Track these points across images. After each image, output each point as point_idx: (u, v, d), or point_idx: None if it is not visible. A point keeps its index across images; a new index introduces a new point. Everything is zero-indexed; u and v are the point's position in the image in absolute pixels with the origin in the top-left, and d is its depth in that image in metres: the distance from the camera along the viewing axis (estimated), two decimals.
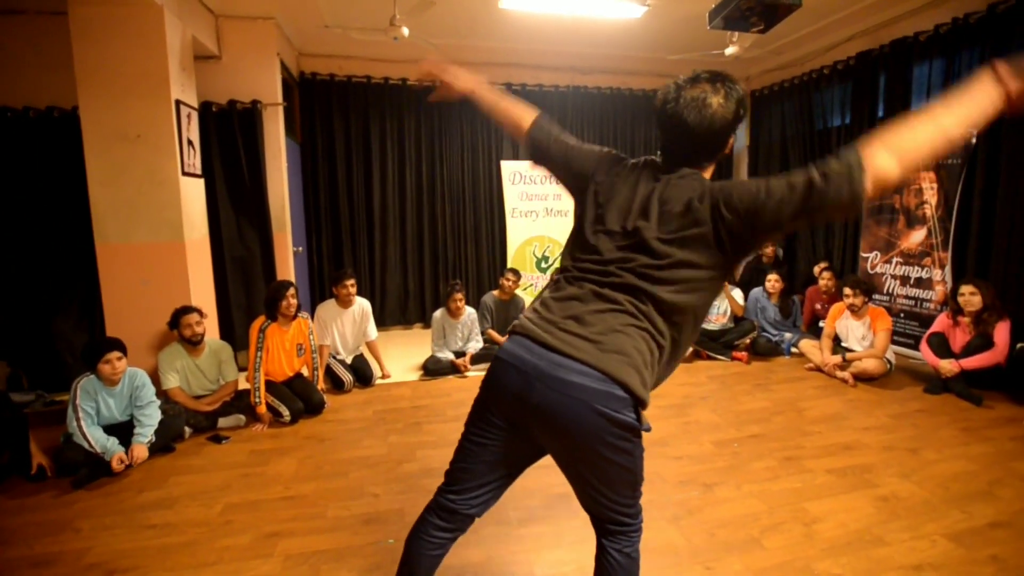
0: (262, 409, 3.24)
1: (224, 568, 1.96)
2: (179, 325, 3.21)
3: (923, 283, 4.33)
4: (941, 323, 3.81)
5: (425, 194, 5.70)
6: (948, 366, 3.54)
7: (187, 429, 3.10)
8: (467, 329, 4.32)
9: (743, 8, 2.55)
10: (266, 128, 4.42)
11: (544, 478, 2.49)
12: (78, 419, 2.66)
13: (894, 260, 4.55)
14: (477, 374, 4.17)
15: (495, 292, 4.66)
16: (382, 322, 5.62)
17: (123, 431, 2.79)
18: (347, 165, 5.48)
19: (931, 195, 4.25)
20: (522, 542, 2.10)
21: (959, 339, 3.67)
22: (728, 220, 1.15)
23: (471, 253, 5.88)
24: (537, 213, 5.76)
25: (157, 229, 3.46)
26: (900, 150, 1.05)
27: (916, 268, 4.39)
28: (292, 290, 3.41)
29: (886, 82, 4.69)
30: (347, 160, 5.48)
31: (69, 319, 3.95)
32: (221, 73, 4.29)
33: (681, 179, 1.23)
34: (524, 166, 5.73)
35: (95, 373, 2.80)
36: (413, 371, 4.25)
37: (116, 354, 2.81)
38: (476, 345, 4.30)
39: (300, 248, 5.05)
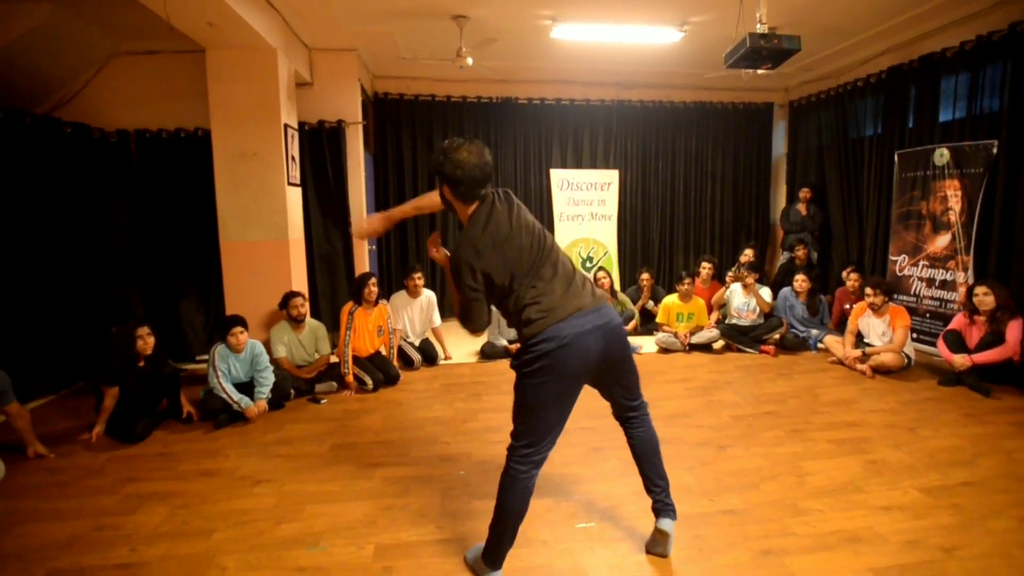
0: (350, 378, 3.93)
1: (338, 483, 2.62)
2: (288, 306, 3.94)
3: (947, 285, 4.60)
4: (958, 321, 4.10)
5: None
6: (961, 360, 3.84)
7: (292, 391, 3.82)
8: None
9: (752, 54, 3.01)
10: (348, 143, 5.16)
11: (584, 436, 3.06)
12: (218, 377, 3.40)
13: (921, 263, 4.82)
14: None
15: None
16: (443, 313, 6.27)
17: (245, 389, 3.53)
18: (413, 173, 6.19)
19: (955, 202, 4.51)
20: (563, 478, 2.65)
21: (974, 336, 3.96)
22: None
23: None
24: (583, 217, 6.29)
25: (267, 230, 4.23)
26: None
27: (941, 271, 4.65)
28: (374, 280, 4.10)
29: (916, 94, 4.96)
30: (413, 169, 6.18)
31: (192, 303, 4.79)
32: (313, 97, 5.05)
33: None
34: (572, 174, 6.28)
35: (224, 343, 3.54)
36: (471, 355, 4.87)
37: (239, 328, 3.55)
38: None
39: (373, 247, 5.77)
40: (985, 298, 3.85)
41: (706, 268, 5.42)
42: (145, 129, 4.74)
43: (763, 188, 6.91)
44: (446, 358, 4.75)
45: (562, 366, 1.71)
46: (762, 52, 3.03)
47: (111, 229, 4.55)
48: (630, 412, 2.00)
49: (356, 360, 4.02)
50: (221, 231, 4.21)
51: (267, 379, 3.58)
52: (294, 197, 4.43)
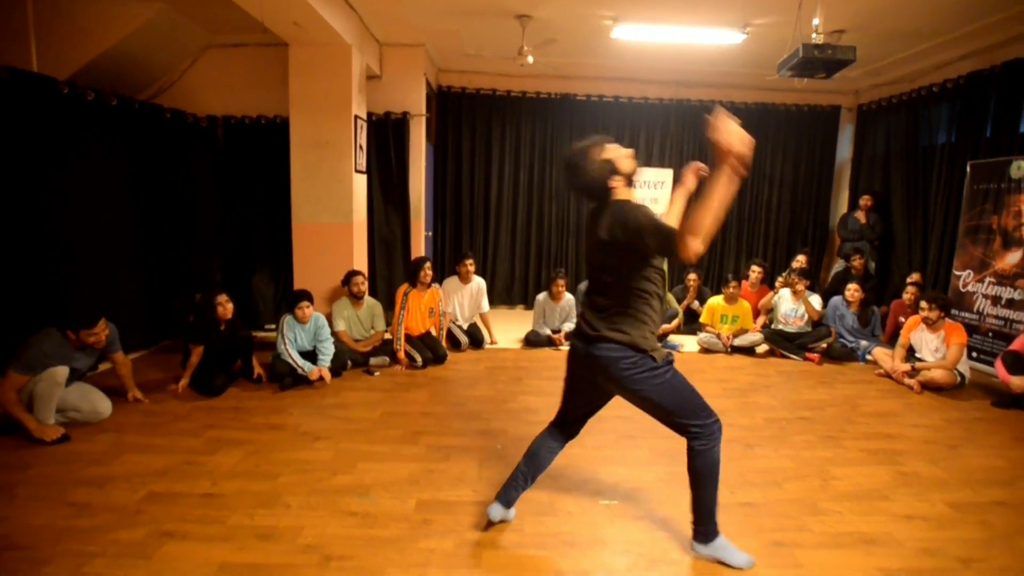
0: (402, 354, 4.23)
1: (387, 445, 2.90)
2: (349, 283, 4.28)
3: (1014, 304, 4.41)
4: (1020, 342, 3.95)
5: (535, 192, 6.53)
6: (1019, 382, 3.71)
7: (349, 362, 4.16)
8: (564, 312, 5.08)
9: (805, 63, 3.02)
10: (412, 134, 5.45)
11: (619, 424, 3.21)
12: (285, 344, 3.77)
13: (987, 280, 4.64)
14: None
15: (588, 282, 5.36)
16: (491, 301, 6.51)
17: (308, 357, 3.88)
18: (471, 164, 6.44)
19: None
20: (594, 460, 2.82)
21: None
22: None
23: (572, 246, 6.62)
24: None
25: (334, 213, 4.58)
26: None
27: (1008, 289, 4.46)
28: (429, 264, 4.38)
29: (996, 102, 4.74)
30: (471, 160, 6.43)
31: (264, 276, 5.24)
32: (381, 89, 5.36)
33: None
34: None
35: (292, 314, 3.90)
36: (516, 342, 5.09)
37: (306, 303, 3.90)
38: (570, 325, 5.04)
39: (430, 233, 6.08)
40: None
41: (756, 272, 5.39)
42: (231, 116, 5.17)
43: (824, 193, 6.74)
44: (492, 343, 4.99)
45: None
46: (815, 62, 3.04)
47: (199, 205, 5.04)
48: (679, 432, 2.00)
49: (408, 338, 4.32)
50: (294, 213, 4.60)
51: (328, 349, 3.92)
52: (360, 184, 4.77)
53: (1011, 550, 2.17)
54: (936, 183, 5.33)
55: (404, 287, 4.37)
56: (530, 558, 2.02)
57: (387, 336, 4.45)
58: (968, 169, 4.83)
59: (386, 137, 5.33)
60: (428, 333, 4.48)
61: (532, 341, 4.92)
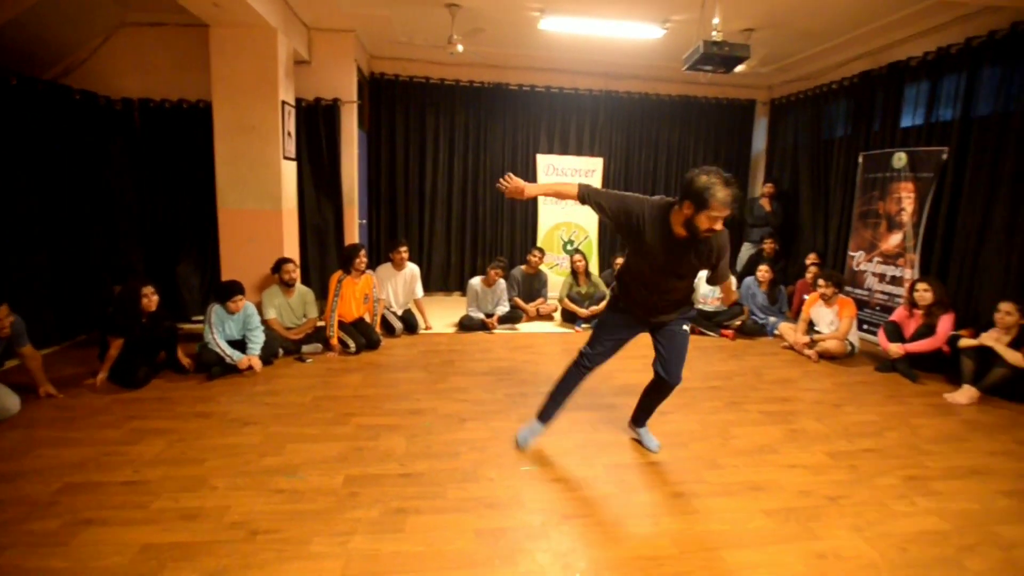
0: (335, 341, 4.25)
1: (317, 427, 2.96)
2: (280, 271, 4.25)
3: (896, 281, 4.94)
4: (898, 314, 4.44)
5: (469, 180, 6.62)
6: (895, 348, 4.19)
7: (280, 350, 4.14)
8: (497, 296, 5.23)
9: (706, 59, 3.29)
10: (343, 121, 5.42)
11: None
12: (213, 334, 3.72)
13: (875, 259, 5.16)
14: (502, 332, 5.09)
15: (523, 267, 5.55)
16: (427, 288, 6.57)
17: (237, 346, 3.85)
18: (405, 152, 6.45)
19: (908, 203, 4.83)
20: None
21: (911, 328, 4.30)
22: None
23: (506, 233, 6.78)
24: (566, 201, 6.57)
25: (262, 200, 4.51)
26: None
27: (892, 267, 4.99)
28: (363, 251, 4.41)
29: (882, 100, 5.24)
30: (405, 148, 6.44)
31: (189, 265, 5.08)
32: (311, 75, 5.29)
33: None
34: (557, 160, 6.55)
35: (222, 306, 3.84)
36: (450, 326, 5.20)
37: (239, 296, 3.85)
38: (503, 309, 5.21)
39: (364, 220, 6.06)
40: (924, 293, 4.18)
41: None
42: (149, 98, 4.97)
43: (742, 183, 7.19)
44: (427, 328, 5.08)
45: None
46: (715, 58, 3.31)
47: (117, 192, 4.82)
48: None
49: (341, 325, 4.34)
50: (219, 199, 4.50)
51: (258, 337, 3.90)
52: (289, 170, 4.71)
53: (871, 487, 2.52)
54: (835, 173, 5.84)
55: (338, 274, 4.38)
56: (451, 520, 2.16)
57: (320, 323, 4.46)
58: (860, 160, 5.34)
59: (316, 124, 5.27)
60: (362, 319, 4.52)
61: (466, 325, 5.05)
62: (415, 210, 6.56)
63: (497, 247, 6.78)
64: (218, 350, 3.69)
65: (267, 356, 3.97)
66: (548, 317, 5.59)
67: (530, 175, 6.66)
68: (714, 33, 3.39)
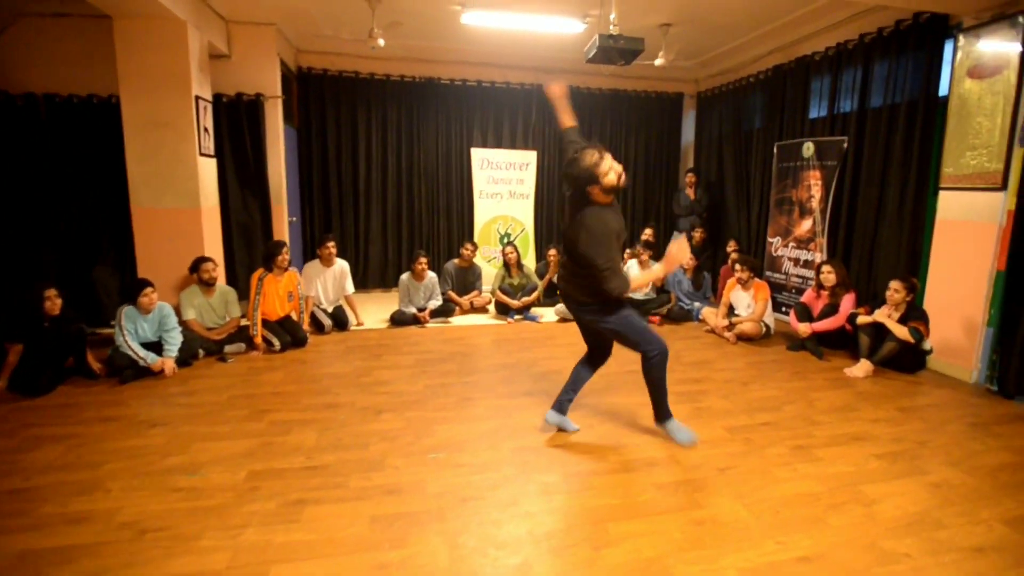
0: (259, 340, 4.19)
1: (229, 425, 2.92)
2: (198, 270, 4.15)
3: (808, 264, 5.22)
4: (808, 295, 4.71)
5: (404, 175, 6.60)
6: (803, 328, 4.45)
7: (201, 351, 4.06)
8: (428, 290, 5.25)
9: (604, 52, 3.41)
10: (267, 117, 5.30)
11: (460, 389, 3.45)
12: (124, 336, 3.61)
13: (790, 245, 5.44)
14: (434, 325, 5.12)
15: (456, 260, 5.59)
16: (364, 285, 6.57)
17: (153, 349, 3.75)
18: (337, 148, 6.37)
19: (816, 190, 5.11)
20: (432, 421, 3.05)
21: (818, 308, 4.57)
22: None
23: (443, 228, 6.80)
24: (502, 195, 6.65)
25: (179, 198, 4.39)
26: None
27: (805, 252, 5.27)
28: (285, 248, 4.35)
29: (791, 93, 5.51)
30: (337, 144, 6.36)
31: (107, 268, 4.89)
32: (231, 70, 5.15)
33: None
34: (492, 153, 6.60)
35: (134, 304, 3.74)
36: (382, 322, 5.19)
37: (149, 289, 3.76)
38: (436, 303, 5.24)
39: (295, 218, 5.97)
40: (829, 275, 4.45)
41: None
42: (55, 93, 4.74)
43: (672, 173, 7.44)
44: (358, 324, 5.06)
45: None
46: (612, 51, 3.43)
47: (22, 192, 4.59)
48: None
49: (265, 323, 4.28)
50: (133, 197, 4.35)
51: (174, 339, 3.81)
52: (207, 167, 4.59)
53: (761, 458, 2.69)
54: (755, 163, 6.11)
55: (259, 272, 4.31)
56: (349, 508, 2.19)
57: (244, 322, 4.38)
58: (775, 150, 5.60)
59: (239, 119, 5.14)
60: (288, 317, 4.46)
61: (397, 320, 5.06)
62: (350, 206, 6.50)
63: (434, 241, 6.79)
64: (130, 352, 3.59)
65: (186, 357, 3.89)
66: (483, 310, 5.66)
67: (465, 169, 6.70)
68: (611, 27, 3.51)
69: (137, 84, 4.21)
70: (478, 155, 6.54)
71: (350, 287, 5.04)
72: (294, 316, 4.54)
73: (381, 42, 4.78)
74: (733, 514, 2.22)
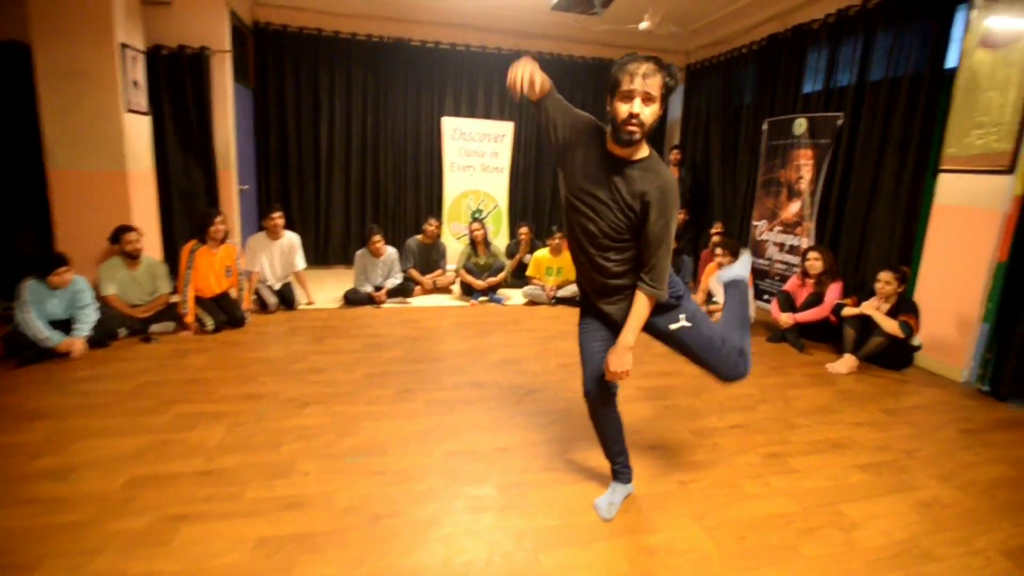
0: (189, 318, 3.80)
1: (126, 419, 2.55)
2: (120, 240, 3.72)
3: (794, 250, 4.88)
4: (791, 283, 4.38)
5: (369, 143, 6.14)
6: (785, 318, 4.12)
7: (122, 331, 3.66)
8: (387, 267, 4.86)
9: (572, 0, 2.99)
10: (214, 73, 4.83)
11: (402, 376, 3.10)
12: (26, 313, 3.20)
13: (776, 229, 5.09)
14: (391, 306, 4.74)
15: (419, 236, 5.19)
16: (325, 260, 6.15)
17: (64, 327, 3.35)
18: (297, 112, 5.88)
19: (807, 171, 4.74)
20: (361, 416, 2.69)
21: (802, 297, 4.24)
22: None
23: (411, 201, 6.36)
24: (474, 168, 6.22)
25: (102, 159, 3.93)
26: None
27: (791, 236, 4.93)
28: (220, 217, 3.93)
29: (785, 65, 5.10)
30: (297, 107, 5.88)
31: (30, 236, 4.44)
32: (172, 19, 4.65)
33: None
34: (465, 123, 6.15)
35: (42, 280, 3.31)
36: (335, 300, 4.80)
37: (63, 269, 3.33)
38: (394, 281, 4.85)
39: (247, 186, 5.51)
40: (815, 262, 4.11)
41: None
42: None
43: (658, 149, 7.00)
44: (309, 303, 4.66)
45: None
46: None
47: None
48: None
49: (199, 300, 3.88)
50: (48, 158, 3.89)
51: (88, 316, 3.40)
52: (137, 125, 4.12)
53: (729, 468, 2.36)
54: (743, 140, 5.72)
55: (191, 244, 3.89)
56: (234, 528, 1.83)
57: (175, 299, 3.97)
58: (765, 127, 5.21)
59: (181, 75, 4.67)
60: (226, 294, 4.06)
61: (351, 299, 4.67)
62: (310, 176, 6.04)
63: (401, 216, 6.37)
64: (34, 331, 3.18)
65: (102, 337, 3.49)
66: (446, 290, 5.28)
67: (435, 139, 6.25)
68: None
69: (50, 28, 3.72)
70: (450, 124, 6.09)
71: (301, 262, 4.63)
72: (233, 293, 4.14)
73: None
74: (691, 540, 1.89)
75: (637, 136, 1.63)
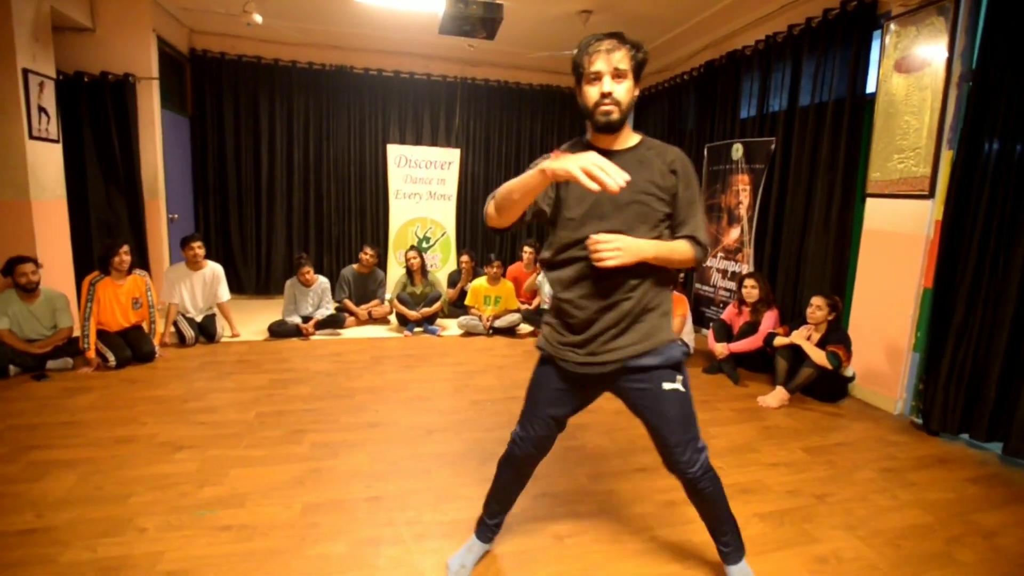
0: (90, 354, 3.59)
1: None
2: (13, 272, 3.53)
3: (735, 276, 4.77)
4: (728, 312, 4.26)
5: (312, 172, 6.03)
6: (720, 349, 3.99)
7: (13, 368, 3.44)
8: (318, 297, 4.69)
9: (457, 21, 2.92)
10: (141, 100, 4.73)
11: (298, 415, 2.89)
12: None
13: (719, 255, 5.00)
14: (321, 338, 4.56)
15: (354, 265, 5.04)
16: (267, 290, 5.98)
17: None
18: (236, 140, 5.78)
19: (745, 196, 4.68)
20: (238, 459, 2.49)
21: (739, 326, 4.12)
22: None
23: (355, 230, 6.24)
24: (421, 196, 6.12)
25: (3, 188, 3.77)
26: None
27: (732, 262, 4.83)
28: (126, 247, 3.76)
29: (721, 91, 5.08)
30: (236, 135, 5.78)
31: None
32: (96, 45, 4.57)
33: None
34: (411, 150, 6.07)
35: None
36: (260, 333, 4.61)
37: None
38: (325, 312, 4.67)
39: (175, 216, 5.36)
40: (752, 290, 4.01)
41: (528, 252, 5.39)
42: None
43: None
44: (233, 335, 4.47)
45: None
46: (466, 20, 2.94)
47: None
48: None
49: (102, 335, 3.68)
50: None
51: None
52: (44, 153, 3.97)
53: (618, 519, 2.19)
54: None
55: (92, 275, 3.71)
56: None
57: (77, 333, 3.77)
58: (706, 152, 5.17)
59: (102, 102, 4.56)
60: (134, 327, 3.87)
61: (276, 331, 4.48)
62: (250, 205, 5.91)
63: (345, 245, 6.23)
64: None
65: None
66: (384, 320, 5.11)
67: (380, 166, 6.17)
68: None
69: None
70: (395, 152, 6.01)
71: (224, 294, 4.45)
72: (145, 327, 3.95)
73: (258, 18, 4.25)
74: None
75: (615, 116, 1.45)
